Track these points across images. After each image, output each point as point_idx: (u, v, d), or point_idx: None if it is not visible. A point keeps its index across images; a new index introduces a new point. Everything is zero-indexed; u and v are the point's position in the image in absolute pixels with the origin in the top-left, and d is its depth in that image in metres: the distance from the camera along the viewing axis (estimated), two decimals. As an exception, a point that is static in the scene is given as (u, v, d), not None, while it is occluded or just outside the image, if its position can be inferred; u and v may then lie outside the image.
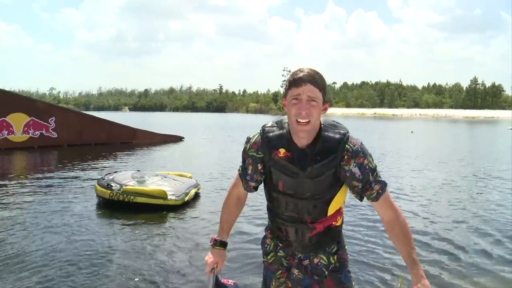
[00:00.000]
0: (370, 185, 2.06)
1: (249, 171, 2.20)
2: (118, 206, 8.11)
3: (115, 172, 9.71)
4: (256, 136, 2.18)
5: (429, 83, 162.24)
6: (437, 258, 5.73)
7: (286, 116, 2.12)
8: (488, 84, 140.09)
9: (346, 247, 2.40)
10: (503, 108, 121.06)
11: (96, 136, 21.43)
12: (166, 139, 24.24)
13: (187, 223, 7.47)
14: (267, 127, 2.16)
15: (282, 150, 2.07)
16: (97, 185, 8.55)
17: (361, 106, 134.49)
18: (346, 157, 2.02)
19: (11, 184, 10.65)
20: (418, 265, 2.01)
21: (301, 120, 1.94)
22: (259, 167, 2.16)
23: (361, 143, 2.08)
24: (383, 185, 2.09)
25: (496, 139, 31.26)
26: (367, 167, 2.05)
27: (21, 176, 12.25)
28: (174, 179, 9.27)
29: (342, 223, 2.33)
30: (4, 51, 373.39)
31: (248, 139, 2.21)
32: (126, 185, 8.30)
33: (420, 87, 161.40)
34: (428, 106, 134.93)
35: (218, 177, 11.87)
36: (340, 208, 2.25)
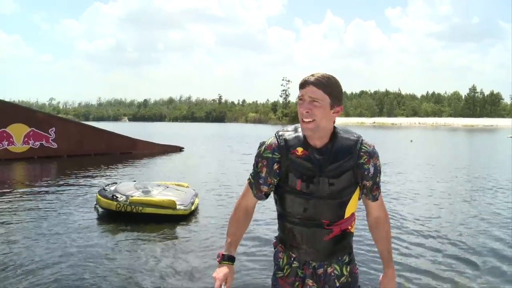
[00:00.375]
0: (377, 185, 2.21)
1: (263, 174, 2.19)
2: (118, 217, 8.08)
3: (115, 183, 9.65)
4: (271, 139, 2.21)
5: (428, 92, 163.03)
6: (441, 263, 5.72)
7: (298, 125, 2.20)
8: (486, 93, 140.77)
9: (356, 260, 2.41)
10: (502, 116, 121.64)
11: (96, 147, 21.42)
12: (166, 149, 24.23)
13: (190, 233, 7.44)
14: (282, 130, 2.23)
15: (299, 149, 2.12)
16: (100, 197, 8.44)
17: (360, 115, 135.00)
18: (365, 157, 2.13)
19: (11, 195, 10.62)
20: (393, 266, 2.29)
21: (305, 119, 2.04)
22: (275, 166, 2.15)
23: (374, 146, 2.20)
24: (380, 187, 2.25)
25: (496, 147, 31.26)
26: (378, 168, 2.18)
27: (21, 187, 12.21)
28: (177, 189, 9.24)
29: (353, 230, 2.33)
30: (5, 61, 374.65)
31: (262, 143, 2.23)
32: (132, 196, 8.24)
33: (419, 95, 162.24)
34: (427, 114, 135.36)
35: (218, 187, 11.83)
36: (354, 213, 2.27)
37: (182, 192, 9.05)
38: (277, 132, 2.22)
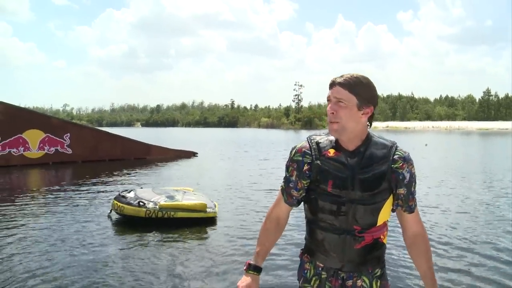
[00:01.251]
0: (412, 195, 2.11)
1: (293, 178, 2.14)
2: (139, 223, 8.07)
3: (125, 190, 9.48)
4: (302, 142, 2.18)
5: (441, 95, 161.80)
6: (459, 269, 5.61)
7: None
8: (501, 95, 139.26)
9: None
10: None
11: (110, 152, 21.52)
12: (179, 154, 24.28)
13: (218, 236, 7.57)
14: (313, 135, 2.20)
15: (331, 150, 2.08)
16: (122, 204, 8.27)
17: (373, 119, 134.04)
18: (400, 162, 2.07)
19: (27, 201, 10.67)
20: (436, 285, 2.16)
21: (330, 120, 2.03)
22: (305, 167, 2.11)
23: (409, 153, 2.14)
24: (415, 198, 2.14)
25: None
26: (413, 176, 2.11)
27: (36, 193, 12.28)
28: (194, 193, 9.35)
29: (386, 242, 2.22)
30: (20, 69, 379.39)
31: (293, 147, 2.19)
32: (159, 202, 8.25)
33: (432, 99, 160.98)
34: (440, 118, 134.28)
35: (233, 191, 11.81)
36: (387, 223, 2.18)
37: (201, 196, 9.15)
38: (309, 136, 2.20)
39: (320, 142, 2.12)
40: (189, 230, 7.82)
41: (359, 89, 2.01)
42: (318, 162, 2.07)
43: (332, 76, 2.05)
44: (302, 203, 2.21)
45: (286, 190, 2.18)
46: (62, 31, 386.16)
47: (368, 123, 2.09)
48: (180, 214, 8.11)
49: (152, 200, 8.36)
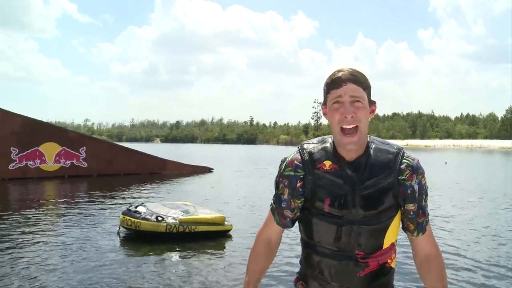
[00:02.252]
0: (423, 210, 1.77)
1: (285, 196, 1.81)
2: (147, 238, 7.94)
3: (132, 205, 9.10)
4: (293, 154, 1.84)
5: (462, 114, 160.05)
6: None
7: (327, 136, 1.84)
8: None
9: None
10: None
11: (126, 166, 21.51)
12: (195, 170, 24.19)
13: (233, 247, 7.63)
14: (305, 143, 1.86)
15: (327, 163, 1.75)
16: (139, 220, 8.06)
17: (392, 137, 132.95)
18: (407, 172, 1.73)
19: (40, 213, 10.61)
20: None
21: (347, 126, 1.66)
22: (298, 184, 1.77)
23: (418, 160, 1.79)
24: (428, 214, 1.80)
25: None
26: (424, 187, 1.76)
27: (50, 205, 12.25)
28: (203, 207, 9.36)
29: (394, 265, 1.90)
30: (44, 84, 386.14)
31: (283, 160, 1.86)
32: (178, 217, 8.17)
33: (452, 117, 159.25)
34: (461, 136, 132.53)
35: (246, 207, 11.61)
36: (394, 244, 1.86)
37: (209, 209, 9.18)
38: (300, 145, 1.86)
39: (314, 153, 1.78)
40: (208, 244, 7.82)
41: (367, 83, 1.72)
42: (312, 177, 1.76)
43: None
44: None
45: (277, 210, 1.86)
46: (85, 48, 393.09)
47: None
48: (201, 228, 8.11)
49: (168, 214, 8.23)
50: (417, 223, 1.76)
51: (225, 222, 8.43)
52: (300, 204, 1.80)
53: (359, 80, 1.68)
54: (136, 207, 8.62)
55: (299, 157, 1.80)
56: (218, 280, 5.92)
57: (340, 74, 1.68)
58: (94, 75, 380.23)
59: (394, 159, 1.73)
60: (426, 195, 1.77)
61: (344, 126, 1.66)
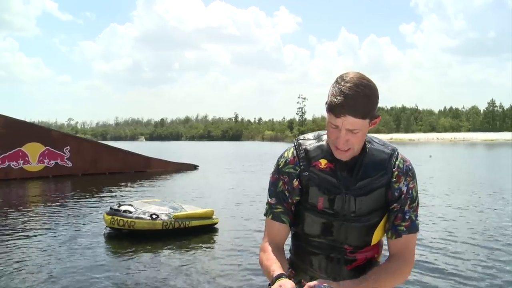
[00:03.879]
0: (403, 213, 1.75)
1: (287, 193, 1.80)
2: (126, 235, 7.94)
3: (115, 205, 8.83)
4: (291, 150, 1.83)
5: (445, 107, 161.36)
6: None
7: (323, 131, 1.83)
8: (506, 106, 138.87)
9: None
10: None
11: (110, 165, 21.39)
12: (180, 167, 24.14)
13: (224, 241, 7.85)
14: (301, 139, 1.85)
15: (323, 161, 1.76)
16: (135, 220, 8.01)
17: (377, 132, 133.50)
18: (396, 173, 1.75)
19: (24, 215, 10.49)
20: None
21: (341, 148, 1.66)
22: (295, 183, 1.78)
23: (411, 162, 1.81)
24: (414, 227, 1.75)
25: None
26: (410, 191, 1.76)
27: (34, 206, 12.11)
28: (184, 203, 9.63)
29: (380, 260, 1.91)
30: (26, 83, 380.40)
31: (281, 156, 1.85)
32: (172, 213, 8.34)
33: (436, 111, 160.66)
34: (445, 130, 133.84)
35: (231, 202, 11.65)
36: (382, 240, 1.88)
37: (191, 205, 9.69)
38: (296, 140, 1.86)
39: (310, 150, 1.79)
40: (197, 237, 8.15)
41: (370, 108, 1.62)
42: (307, 174, 1.76)
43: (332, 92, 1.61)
44: None
45: (283, 210, 1.80)
46: (67, 46, 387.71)
47: None
48: (194, 223, 8.39)
49: (160, 212, 8.33)
50: (393, 225, 1.75)
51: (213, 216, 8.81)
52: (296, 201, 1.81)
53: (359, 110, 1.59)
54: (119, 206, 8.57)
55: (296, 154, 1.81)
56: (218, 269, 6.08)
57: (340, 100, 1.58)
58: (76, 73, 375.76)
59: (389, 160, 1.75)
60: (412, 201, 1.76)
61: (338, 147, 1.66)
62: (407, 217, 1.75)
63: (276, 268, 1.64)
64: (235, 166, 27.56)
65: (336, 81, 1.64)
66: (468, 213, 10.36)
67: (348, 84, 1.59)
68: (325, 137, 1.80)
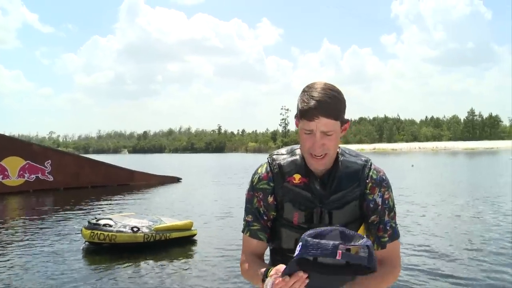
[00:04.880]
0: (384, 224, 1.74)
1: (262, 209, 1.78)
2: (106, 249, 7.88)
3: (93, 219, 8.78)
4: (264, 166, 1.82)
5: (426, 117, 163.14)
6: None
7: (296, 145, 1.82)
8: (485, 115, 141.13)
9: None
10: (502, 138, 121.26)
11: (93, 179, 21.15)
12: (163, 180, 23.99)
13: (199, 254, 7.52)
14: (275, 154, 1.84)
15: (297, 176, 1.74)
16: (116, 234, 7.96)
17: (360, 142, 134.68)
18: (370, 184, 1.74)
19: (4, 231, 10.30)
20: None
21: (317, 155, 1.65)
22: (270, 199, 1.77)
23: (384, 172, 1.80)
24: (396, 234, 1.75)
25: (499, 169, 30.81)
26: (387, 202, 1.75)
27: (12, 222, 11.89)
28: (163, 216, 9.64)
29: None
30: (6, 96, 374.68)
31: (255, 173, 1.84)
32: (153, 226, 8.36)
33: (418, 120, 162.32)
34: (427, 139, 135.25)
35: (211, 214, 11.57)
36: None
37: (170, 217, 9.69)
38: (270, 156, 1.84)
39: (283, 165, 1.77)
40: (178, 249, 8.17)
41: (340, 109, 1.66)
42: (281, 190, 1.75)
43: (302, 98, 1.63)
44: None
45: (260, 227, 1.79)
46: (49, 59, 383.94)
47: None
48: (175, 235, 8.44)
49: (141, 225, 8.28)
50: (376, 236, 1.74)
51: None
52: (273, 216, 1.79)
53: (331, 111, 1.62)
54: (97, 220, 8.51)
55: (269, 169, 1.79)
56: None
57: (312, 103, 1.61)
58: (58, 86, 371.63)
59: (362, 171, 1.74)
60: (390, 211, 1.76)
61: (314, 154, 1.65)
62: (388, 227, 1.74)
63: (261, 267, 1.64)
64: (218, 178, 27.48)
65: (304, 90, 1.68)
66: (449, 220, 10.44)
67: (317, 90, 1.64)
68: (298, 151, 1.79)
